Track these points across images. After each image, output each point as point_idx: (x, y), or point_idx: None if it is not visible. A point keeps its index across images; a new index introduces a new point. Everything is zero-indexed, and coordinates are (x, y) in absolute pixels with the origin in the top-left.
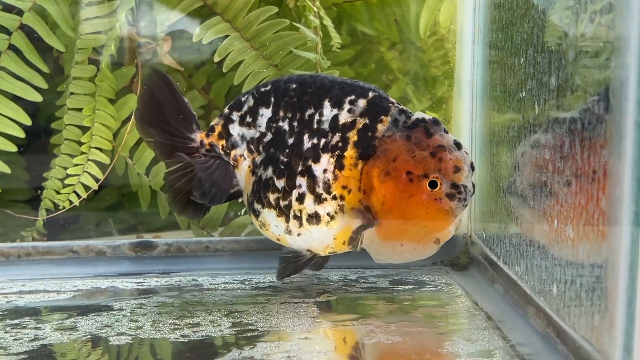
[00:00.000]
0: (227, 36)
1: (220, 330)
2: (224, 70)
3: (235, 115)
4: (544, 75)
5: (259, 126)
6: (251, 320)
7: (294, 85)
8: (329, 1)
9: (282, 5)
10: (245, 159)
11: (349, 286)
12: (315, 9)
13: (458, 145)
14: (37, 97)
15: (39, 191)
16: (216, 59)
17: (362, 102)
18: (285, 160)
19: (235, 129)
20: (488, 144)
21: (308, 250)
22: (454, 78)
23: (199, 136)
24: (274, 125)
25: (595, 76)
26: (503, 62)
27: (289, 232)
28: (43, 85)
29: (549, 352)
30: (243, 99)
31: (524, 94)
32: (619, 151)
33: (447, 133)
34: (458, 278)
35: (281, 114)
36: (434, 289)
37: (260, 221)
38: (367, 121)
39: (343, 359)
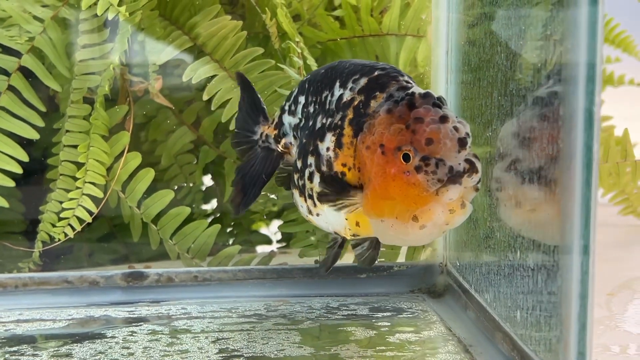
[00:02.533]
0: (215, 75)
1: (208, 357)
2: (212, 108)
3: (286, 105)
4: (506, 117)
5: (298, 113)
6: (237, 346)
7: (322, 71)
8: (313, 40)
9: (267, 46)
10: (293, 145)
11: (331, 313)
12: (299, 50)
13: (444, 119)
14: (34, 135)
15: (35, 224)
16: (205, 97)
17: (363, 80)
18: (304, 141)
19: (286, 118)
20: None
21: (335, 232)
22: None
23: (261, 128)
24: (305, 110)
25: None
26: (472, 102)
27: (309, 212)
28: (40, 123)
29: None
30: (294, 90)
31: (490, 133)
32: (570, 188)
33: (438, 107)
34: (434, 305)
35: (309, 99)
36: (410, 315)
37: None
38: (363, 98)
39: None
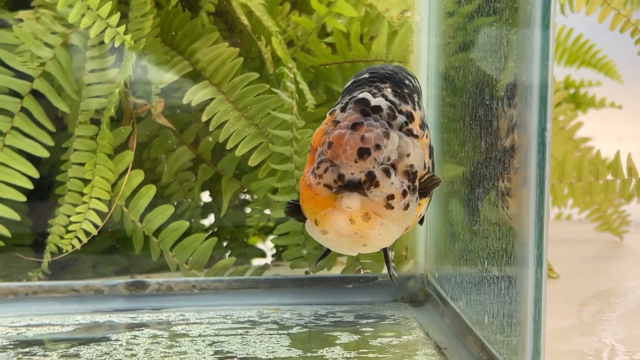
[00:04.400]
0: (213, 98)
1: (204, 358)
2: (210, 130)
3: None
4: (476, 140)
5: None
6: (231, 349)
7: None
8: (306, 64)
9: (262, 71)
10: None
11: (319, 320)
12: (292, 75)
13: (355, 125)
14: (44, 154)
15: (41, 236)
16: (204, 119)
17: (347, 84)
18: None
19: None
20: (441, 195)
21: None
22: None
23: None
24: None
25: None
26: (450, 125)
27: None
28: (49, 142)
29: None
30: None
31: (463, 154)
32: (526, 202)
33: (366, 114)
34: (415, 313)
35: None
36: (393, 322)
37: None
38: (339, 104)
39: None
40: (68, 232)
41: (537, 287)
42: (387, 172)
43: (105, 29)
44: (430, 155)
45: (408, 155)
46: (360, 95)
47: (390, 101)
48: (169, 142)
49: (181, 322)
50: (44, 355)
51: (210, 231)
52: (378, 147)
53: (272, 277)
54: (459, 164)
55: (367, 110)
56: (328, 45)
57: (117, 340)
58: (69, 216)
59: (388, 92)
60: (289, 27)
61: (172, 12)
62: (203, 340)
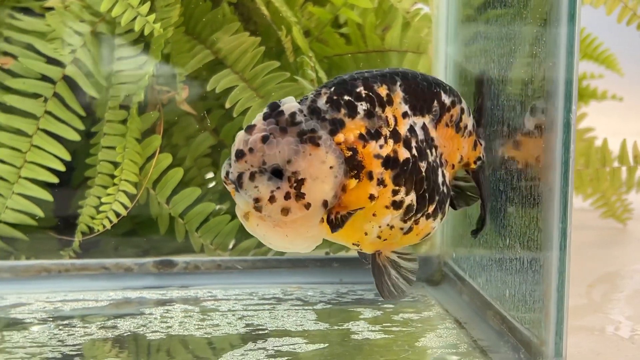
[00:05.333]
0: (236, 86)
1: (237, 329)
2: (234, 116)
3: None
4: (497, 124)
5: None
6: (261, 322)
7: None
8: (321, 54)
9: (280, 60)
10: None
11: (341, 297)
12: (312, 64)
13: (249, 128)
14: (76, 137)
15: (65, 218)
16: (227, 105)
17: None
18: None
19: None
20: None
21: None
22: None
23: None
24: None
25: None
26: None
27: None
28: (80, 126)
29: (502, 343)
30: None
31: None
32: (551, 180)
33: (269, 118)
34: (432, 291)
35: None
36: (412, 300)
37: None
38: None
39: (338, 349)
40: (99, 212)
41: (562, 259)
42: (252, 176)
43: (136, 17)
44: (389, 165)
45: (289, 162)
46: (278, 100)
47: (314, 108)
48: (190, 128)
49: (209, 298)
50: (83, 327)
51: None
52: (251, 150)
53: (294, 257)
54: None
55: (268, 113)
56: (341, 35)
57: (150, 314)
58: (99, 197)
59: (322, 99)
60: (303, 18)
61: (194, 2)
62: (233, 315)
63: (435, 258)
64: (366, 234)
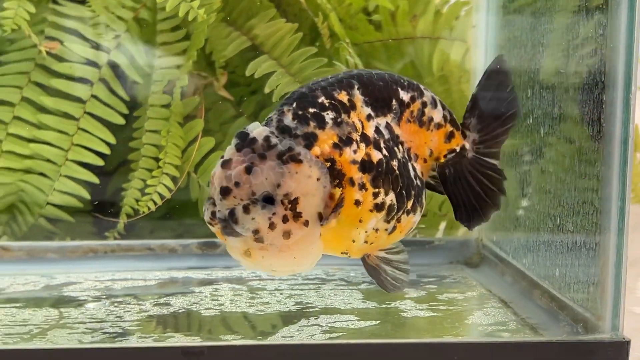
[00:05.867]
0: (275, 71)
1: (287, 307)
2: (274, 100)
3: None
4: (548, 106)
5: None
6: (310, 301)
7: None
8: (351, 42)
9: (315, 46)
10: None
11: None
12: (350, 50)
13: (225, 163)
14: (121, 120)
15: (104, 201)
16: (267, 90)
17: None
18: None
19: None
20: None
21: None
22: None
23: None
24: None
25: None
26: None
27: None
28: (124, 110)
29: (552, 321)
30: None
31: (530, 121)
32: (609, 162)
33: (244, 148)
34: (472, 273)
35: None
36: (453, 281)
37: None
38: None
39: (390, 326)
40: (144, 195)
41: (620, 237)
42: (245, 209)
43: (180, 3)
44: (366, 169)
45: (279, 186)
46: (243, 129)
47: (283, 127)
48: (227, 113)
49: (254, 278)
50: (138, 304)
51: None
52: (237, 184)
53: None
54: (524, 132)
55: (240, 144)
56: (370, 22)
57: (200, 292)
58: (143, 180)
59: (288, 116)
60: (332, 3)
61: None
62: (281, 293)
63: (474, 241)
64: (354, 241)
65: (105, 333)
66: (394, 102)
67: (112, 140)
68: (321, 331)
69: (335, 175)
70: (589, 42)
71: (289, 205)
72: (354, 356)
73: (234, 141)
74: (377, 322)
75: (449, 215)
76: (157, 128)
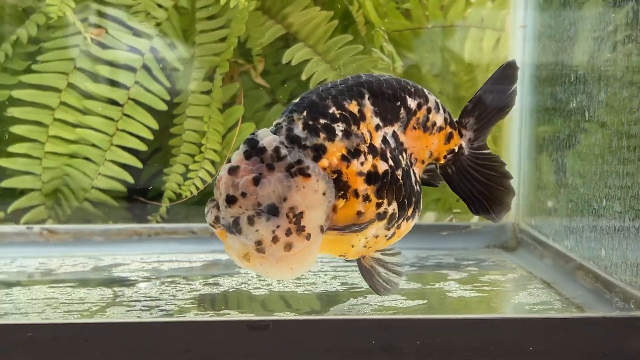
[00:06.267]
0: (310, 59)
1: (334, 288)
2: (311, 87)
3: None
4: (593, 90)
5: None
6: (354, 282)
7: None
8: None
9: (348, 33)
10: None
11: (423, 261)
12: (386, 37)
13: (232, 170)
14: (163, 107)
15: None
16: (304, 77)
17: None
18: None
19: None
20: (534, 150)
21: None
22: None
23: None
24: None
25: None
26: (553, 80)
27: None
28: (166, 97)
29: (598, 300)
30: None
31: (574, 104)
32: None
33: (253, 155)
34: (510, 257)
35: None
36: (492, 264)
37: None
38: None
39: (438, 305)
40: (186, 179)
41: None
42: (250, 220)
43: None
44: (371, 181)
45: (285, 199)
46: (252, 135)
47: (293, 137)
48: (262, 100)
49: None
50: (188, 284)
51: None
52: (244, 194)
53: None
54: (568, 116)
55: (249, 152)
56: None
57: (246, 273)
58: (185, 165)
59: (298, 125)
60: None
61: None
62: (325, 275)
63: (510, 225)
64: (353, 246)
65: (162, 310)
66: (402, 111)
67: (155, 126)
68: (372, 309)
69: (341, 187)
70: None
71: (294, 219)
72: (415, 331)
73: (242, 147)
74: (425, 301)
75: None
76: (198, 114)
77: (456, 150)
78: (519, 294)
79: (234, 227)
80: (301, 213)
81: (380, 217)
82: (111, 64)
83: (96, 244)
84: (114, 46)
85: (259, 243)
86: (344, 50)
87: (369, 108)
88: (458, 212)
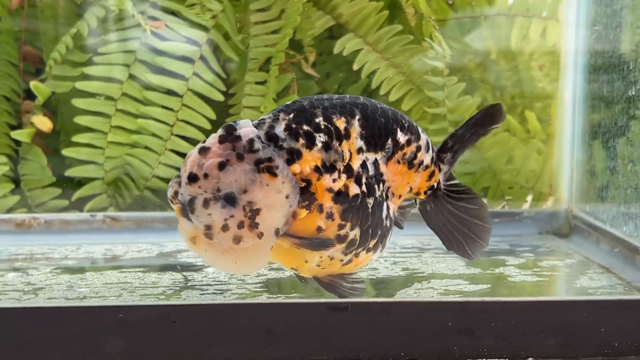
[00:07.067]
0: (362, 49)
1: (397, 273)
2: (362, 77)
3: None
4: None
5: None
6: (415, 267)
7: None
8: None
9: (396, 23)
10: None
11: None
12: (437, 27)
13: (202, 150)
14: (220, 97)
15: None
16: (355, 67)
17: None
18: None
19: None
20: (586, 137)
21: None
22: (559, 84)
23: None
24: None
25: None
26: (608, 69)
27: None
28: (222, 87)
29: None
30: None
31: (633, 92)
32: None
33: (226, 141)
34: (565, 243)
35: None
36: (548, 250)
37: None
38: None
39: (502, 289)
40: None
41: None
42: (205, 203)
43: None
44: (339, 200)
45: (245, 192)
46: (233, 122)
47: (272, 135)
48: (312, 90)
49: None
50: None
51: None
52: (206, 176)
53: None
54: (626, 104)
55: (224, 137)
56: None
57: None
58: None
59: (281, 125)
60: None
61: None
62: (385, 260)
63: (563, 212)
64: (306, 261)
65: (234, 294)
66: (389, 142)
67: (212, 116)
68: (437, 293)
69: (307, 197)
70: None
71: (249, 214)
72: (488, 313)
73: (219, 131)
74: (489, 285)
75: (536, 187)
76: (254, 104)
77: (435, 186)
78: (580, 278)
79: (189, 206)
80: (258, 210)
81: (339, 239)
82: (170, 55)
83: (158, 230)
84: (171, 38)
85: (208, 227)
86: (394, 40)
87: (356, 129)
88: (510, 200)
